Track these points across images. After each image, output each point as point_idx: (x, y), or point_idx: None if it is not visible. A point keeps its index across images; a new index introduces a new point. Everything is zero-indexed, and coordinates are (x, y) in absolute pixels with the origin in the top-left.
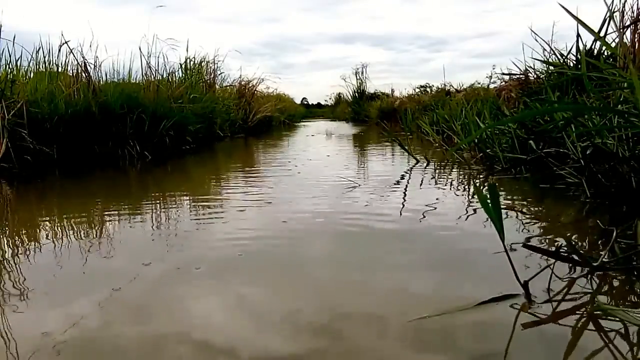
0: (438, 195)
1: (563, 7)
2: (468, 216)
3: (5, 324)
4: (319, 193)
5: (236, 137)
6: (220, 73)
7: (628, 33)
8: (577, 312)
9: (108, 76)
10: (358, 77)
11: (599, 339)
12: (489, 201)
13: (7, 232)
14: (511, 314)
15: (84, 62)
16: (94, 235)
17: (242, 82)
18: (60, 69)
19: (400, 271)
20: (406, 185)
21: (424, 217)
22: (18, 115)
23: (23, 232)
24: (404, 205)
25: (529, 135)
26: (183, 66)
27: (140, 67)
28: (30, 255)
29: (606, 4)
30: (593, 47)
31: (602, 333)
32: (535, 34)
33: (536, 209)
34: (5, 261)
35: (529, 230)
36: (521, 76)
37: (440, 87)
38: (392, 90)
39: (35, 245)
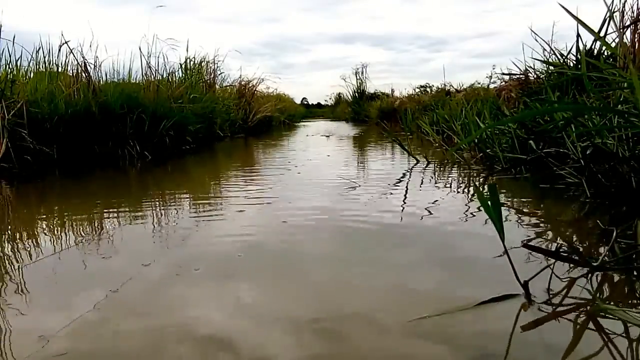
0: (438, 195)
1: (563, 7)
2: (468, 216)
3: (1, 325)
4: (319, 193)
5: (236, 137)
6: (220, 73)
7: (628, 33)
8: (577, 312)
9: (108, 76)
10: (358, 77)
11: (599, 339)
12: (489, 201)
13: (7, 232)
14: (511, 314)
15: (84, 62)
16: (94, 235)
17: (242, 82)
18: (60, 69)
19: (401, 271)
20: (406, 185)
21: (424, 217)
22: (18, 115)
23: (23, 232)
24: (404, 205)
25: (529, 135)
26: (183, 66)
27: (140, 67)
28: (29, 255)
29: (606, 4)
30: (593, 47)
31: (602, 333)
32: (535, 34)
33: (536, 209)
34: (5, 261)
35: (528, 230)
36: (521, 76)
37: (440, 87)
38: (392, 90)
39: (34, 245)
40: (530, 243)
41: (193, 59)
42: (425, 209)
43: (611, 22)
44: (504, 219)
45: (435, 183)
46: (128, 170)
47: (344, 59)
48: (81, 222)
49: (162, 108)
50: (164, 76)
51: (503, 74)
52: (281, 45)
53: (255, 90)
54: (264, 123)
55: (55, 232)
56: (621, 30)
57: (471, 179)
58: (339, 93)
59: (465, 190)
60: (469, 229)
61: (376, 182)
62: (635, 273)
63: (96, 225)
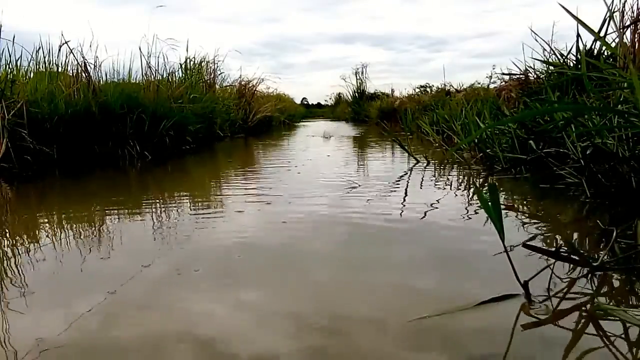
0: (438, 195)
1: (563, 7)
2: (468, 216)
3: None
4: (319, 193)
5: (236, 137)
6: (220, 73)
7: (628, 33)
8: (577, 312)
9: (108, 76)
10: (358, 77)
11: (599, 339)
12: (489, 201)
13: (7, 232)
14: (511, 314)
15: (84, 62)
16: (94, 236)
17: (242, 82)
18: (60, 69)
19: (401, 271)
20: (406, 185)
21: (424, 217)
22: (18, 115)
23: (22, 232)
24: (404, 205)
25: (529, 135)
26: (183, 66)
27: (140, 67)
28: (28, 255)
29: (606, 4)
30: (593, 47)
31: (602, 333)
32: (535, 34)
33: (536, 209)
34: (4, 261)
35: (528, 230)
36: (521, 76)
37: (440, 87)
38: (392, 90)
39: (34, 245)
40: (530, 243)
41: (193, 59)
42: (425, 209)
43: (611, 22)
44: (503, 219)
45: (435, 183)
46: (128, 170)
47: (344, 59)
48: (81, 222)
49: (162, 108)
50: (164, 76)
51: (503, 74)
52: (281, 45)
53: (255, 90)
54: (264, 123)
55: (55, 232)
56: (621, 30)
57: (471, 178)
58: (339, 93)
59: (465, 190)
60: (469, 228)
61: (376, 182)
62: (635, 273)
63: (96, 225)
